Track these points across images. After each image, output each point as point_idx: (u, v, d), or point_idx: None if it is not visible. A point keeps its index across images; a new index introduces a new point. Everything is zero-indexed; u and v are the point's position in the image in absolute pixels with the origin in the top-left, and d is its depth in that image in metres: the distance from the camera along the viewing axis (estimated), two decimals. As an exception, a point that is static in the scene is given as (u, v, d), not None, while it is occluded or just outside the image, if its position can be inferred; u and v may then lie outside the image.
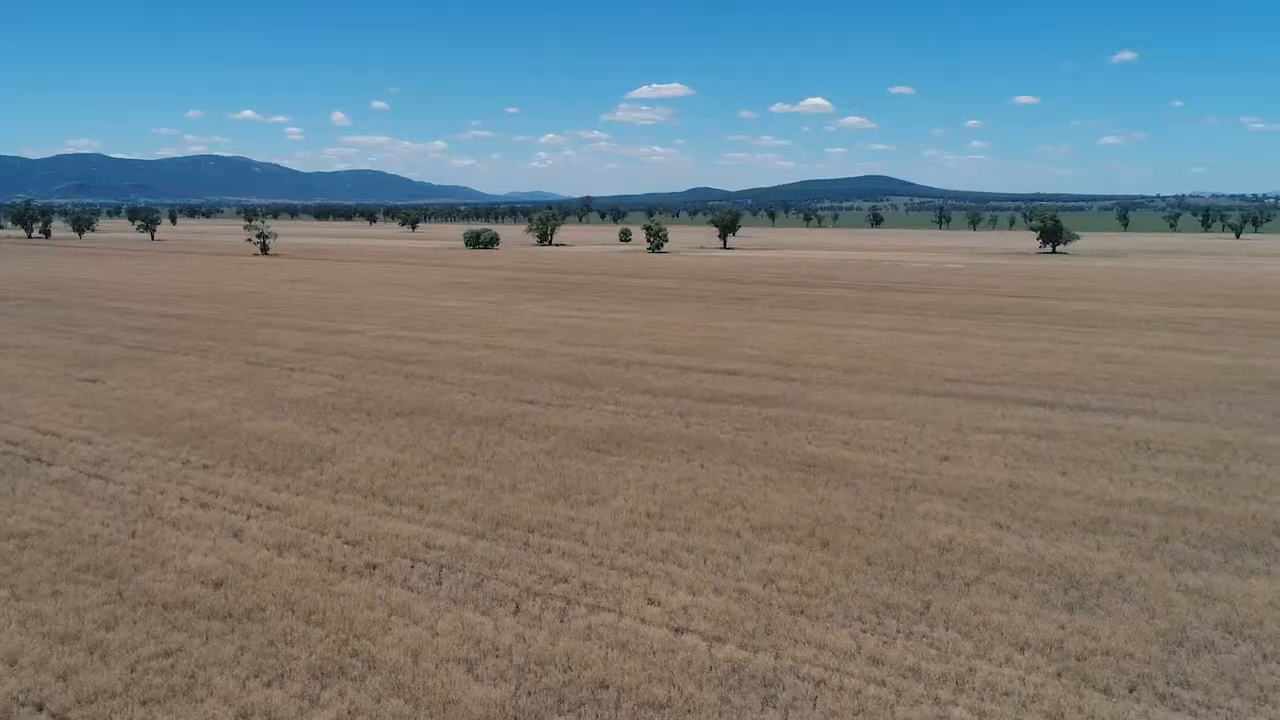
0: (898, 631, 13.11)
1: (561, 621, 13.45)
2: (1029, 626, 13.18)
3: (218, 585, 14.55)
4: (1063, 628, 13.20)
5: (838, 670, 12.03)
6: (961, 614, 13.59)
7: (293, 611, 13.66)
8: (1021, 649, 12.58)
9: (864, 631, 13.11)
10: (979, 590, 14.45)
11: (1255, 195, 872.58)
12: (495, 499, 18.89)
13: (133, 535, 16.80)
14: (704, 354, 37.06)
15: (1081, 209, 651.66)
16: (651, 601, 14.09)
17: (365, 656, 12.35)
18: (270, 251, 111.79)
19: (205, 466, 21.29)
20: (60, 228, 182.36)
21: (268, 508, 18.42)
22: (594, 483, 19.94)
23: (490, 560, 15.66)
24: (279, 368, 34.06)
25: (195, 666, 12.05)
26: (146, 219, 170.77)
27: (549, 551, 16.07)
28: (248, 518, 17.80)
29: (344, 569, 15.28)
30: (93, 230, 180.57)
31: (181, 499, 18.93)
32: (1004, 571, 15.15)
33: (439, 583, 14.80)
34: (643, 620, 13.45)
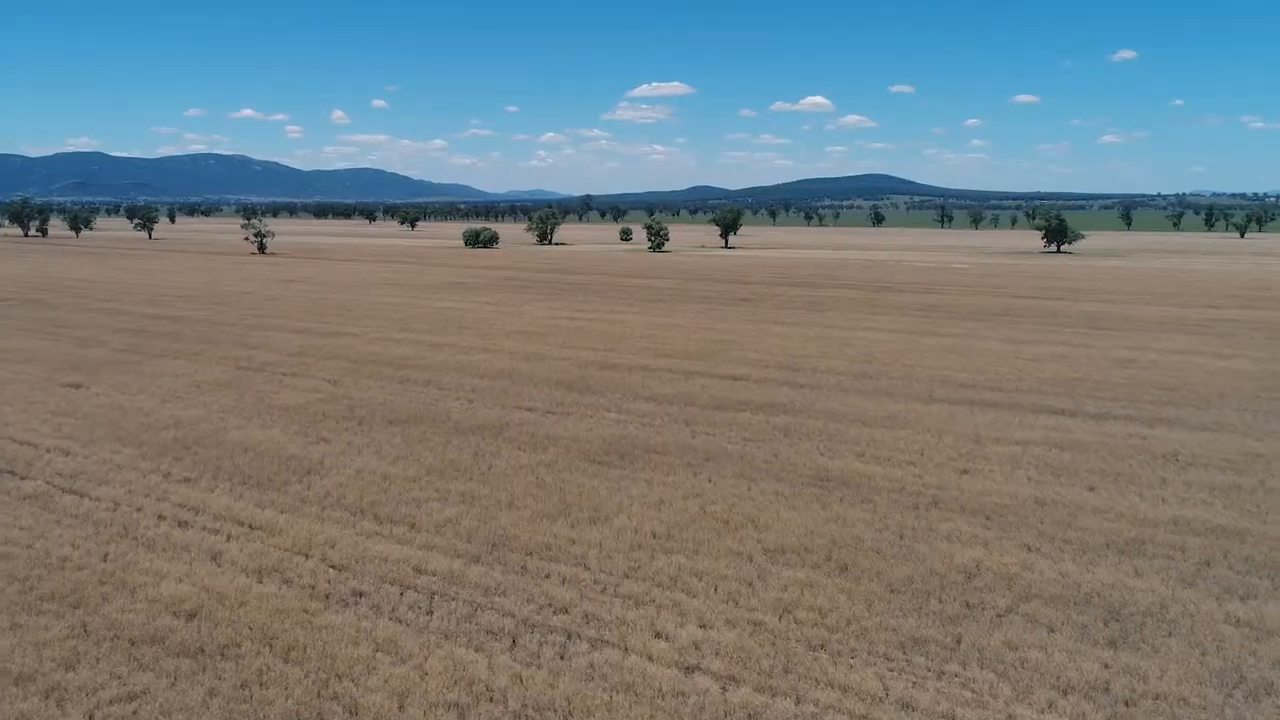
0: (928, 671, 12.04)
1: (562, 659, 12.38)
2: (1070, 665, 12.11)
3: (190, 617, 13.48)
4: (1107, 667, 12.13)
5: (865, 717, 10.97)
6: (996, 650, 12.53)
7: (270, 647, 12.59)
8: (1064, 692, 11.51)
9: (891, 671, 12.04)
10: (1012, 623, 13.38)
11: (1256, 194, 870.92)
12: (491, 517, 17.83)
13: (104, 559, 15.73)
14: (708, 358, 35.99)
15: (1082, 208, 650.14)
16: (659, 635, 13.02)
17: (347, 701, 11.29)
18: (267, 250, 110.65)
19: (187, 480, 20.22)
20: (58, 226, 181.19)
21: (250, 527, 17.35)
22: (596, 499, 18.88)
23: (485, 587, 14.60)
24: (270, 372, 32.99)
25: (159, 713, 11.00)
26: (144, 217, 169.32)
27: (548, 577, 15.01)
28: (228, 538, 16.73)
29: (328, 597, 14.21)
30: (90, 229, 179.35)
31: (159, 517, 17.86)
32: (1038, 601, 14.08)
33: (429, 613, 13.73)
34: (650, 658, 12.39)
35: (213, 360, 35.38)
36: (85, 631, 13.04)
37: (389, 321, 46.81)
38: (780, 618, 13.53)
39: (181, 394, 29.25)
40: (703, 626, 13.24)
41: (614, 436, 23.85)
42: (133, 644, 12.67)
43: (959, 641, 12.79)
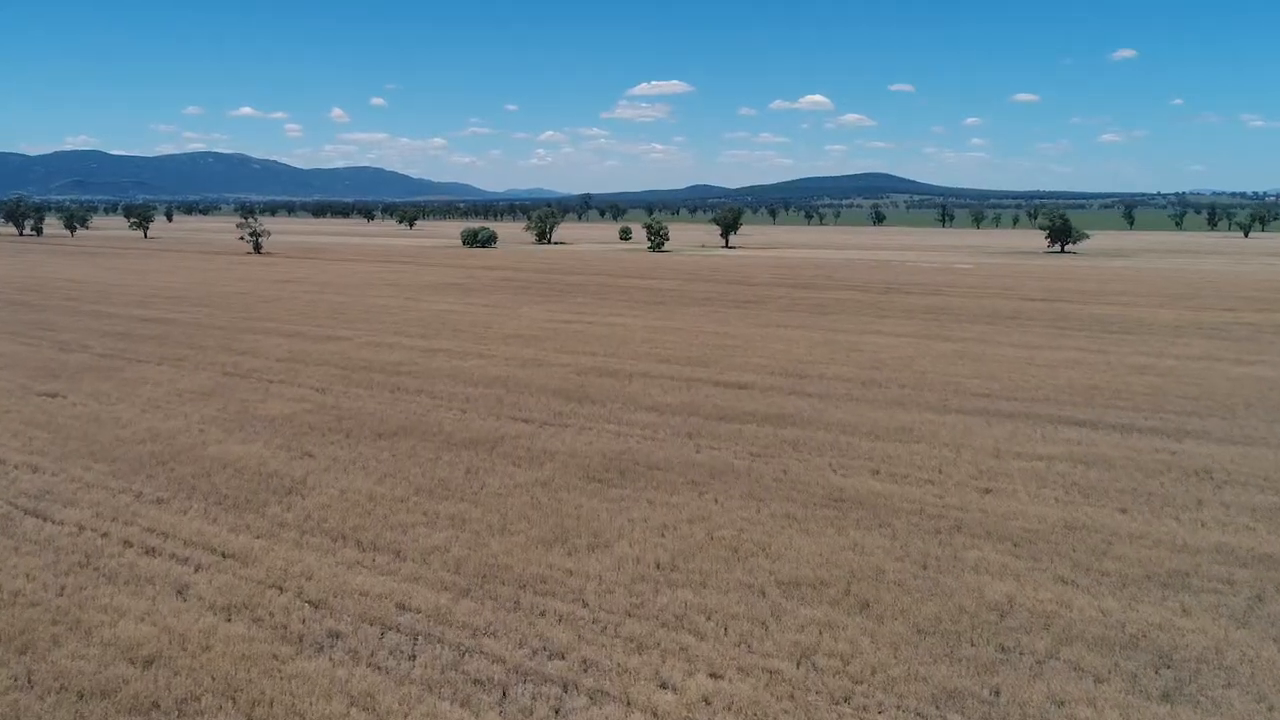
0: (965, 730, 10.80)
1: (557, 716, 11.14)
2: (1124, 725, 10.87)
3: (148, 664, 12.23)
4: (1165, 726, 10.89)
5: (898, 790, 9.73)
6: (1039, 706, 11.28)
7: (233, 701, 11.35)
8: (1120, 758, 10.27)
9: (924, 731, 10.80)
10: (1054, 671, 12.13)
11: (1256, 193, 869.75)
12: (483, 544, 16.58)
13: (60, 593, 14.48)
14: (712, 364, 34.74)
15: (1082, 206, 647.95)
16: (664, 686, 11.78)
17: (314, 770, 10.05)
18: (263, 250, 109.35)
19: (159, 501, 18.97)
20: (54, 225, 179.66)
21: (222, 555, 16.10)
22: (595, 523, 17.63)
23: (474, 627, 13.34)
24: (256, 379, 31.74)
25: (102, 785, 9.75)
26: (140, 216, 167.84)
27: (543, 615, 13.75)
28: (196, 569, 15.48)
29: (301, 640, 12.96)
30: (86, 227, 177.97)
31: (125, 543, 16.61)
32: (1080, 644, 12.83)
33: (412, 658, 12.48)
34: (654, 714, 11.15)
35: (198, 366, 34.12)
36: (30, 682, 11.80)
37: (383, 325, 45.55)
38: (798, 665, 12.28)
39: (162, 403, 27.99)
40: (713, 676, 11.99)
41: (614, 451, 22.60)
42: (81, 698, 11.42)
43: (997, 694, 11.55)
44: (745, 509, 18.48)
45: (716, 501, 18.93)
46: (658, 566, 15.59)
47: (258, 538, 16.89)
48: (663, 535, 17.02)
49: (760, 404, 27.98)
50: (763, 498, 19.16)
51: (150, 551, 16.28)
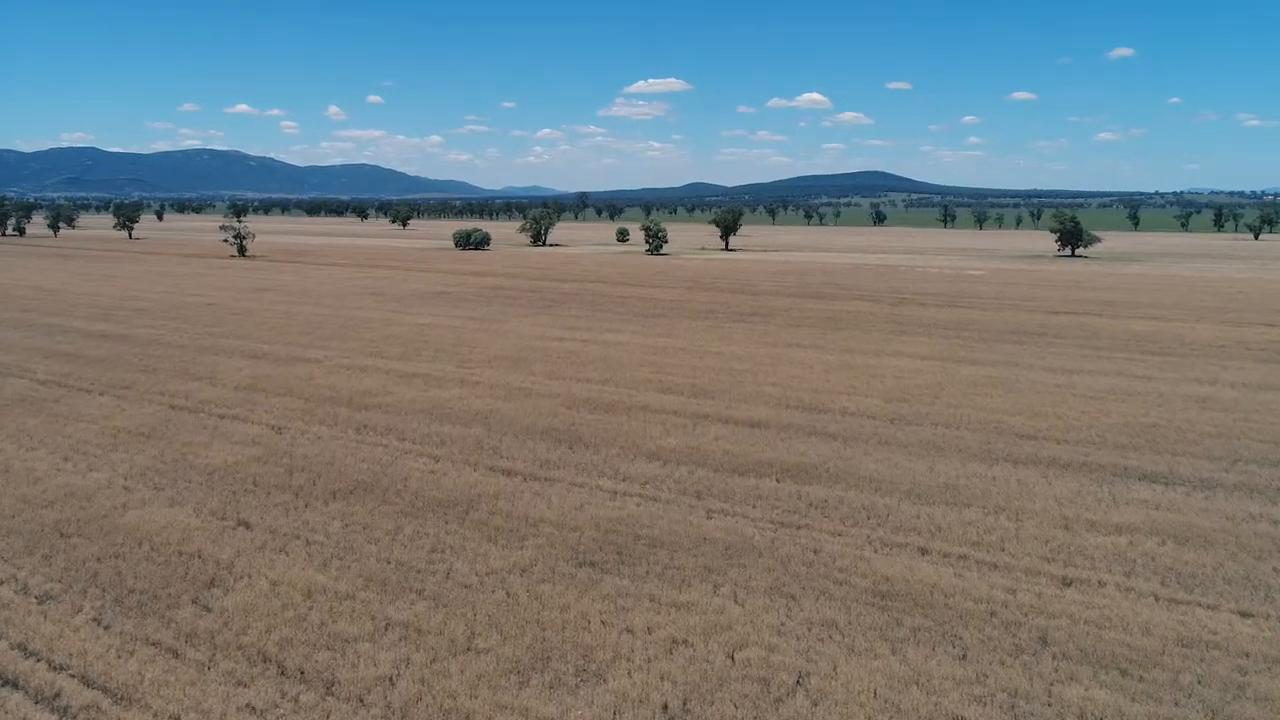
0: None
1: None
2: None
3: None
4: None
5: None
6: None
7: None
8: None
9: None
10: None
11: (1253, 192, 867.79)
12: (440, 670, 12.92)
13: None
14: (719, 394, 31.07)
15: (1081, 205, 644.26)
16: None
17: None
18: (248, 253, 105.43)
19: (45, 598, 15.31)
20: (39, 224, 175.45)
21: (102, 689, 12.45)
22: (585, 636, 13.97)
23: (414, 832, 9.69)
24: (206, 414, 28.05)
25: None
26: (126, 216, 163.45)
27: (511, 805, 10.10)
28: (60, 717, 11.80)
29: None
30: (73, 227, 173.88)
31: (-19, 670, 12.93)
32: None
33: None
34: None
35: (143, 397, 30.39)
36: None
37: (358, 343, 41.81)
38: None
39: (90, 448, 24.31)
40: None
41: (610, 520, 18.94)
42: None
43: None
44: (773, 612, 14.83)
45: (737, 600, 15.28)
46: (665, 710, 11.95)
47: (151, 661, 13.21)
48: (670, 656, 13.37)
49: (778, 449, 24.33)
50: (793, 593, 15.52)
51: (10, 683, 12.62)
